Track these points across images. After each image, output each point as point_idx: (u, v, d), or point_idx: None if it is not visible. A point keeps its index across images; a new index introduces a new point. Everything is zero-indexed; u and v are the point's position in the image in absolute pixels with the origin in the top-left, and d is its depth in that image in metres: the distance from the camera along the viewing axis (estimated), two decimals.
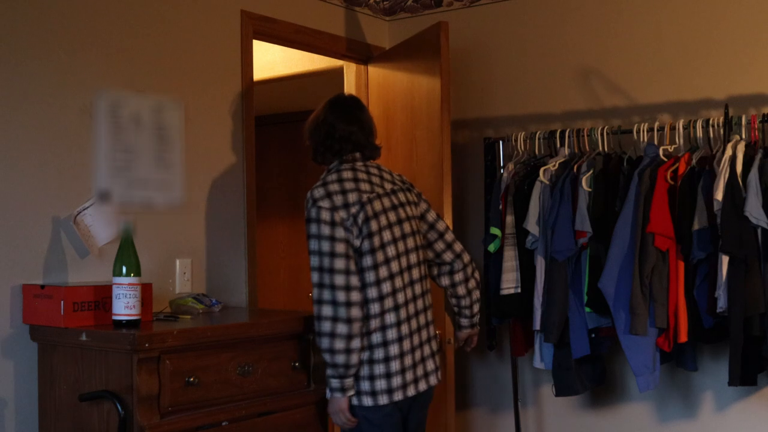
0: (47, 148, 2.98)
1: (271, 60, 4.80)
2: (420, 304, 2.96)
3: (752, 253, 3.26)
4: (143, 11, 3.32)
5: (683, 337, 3.40)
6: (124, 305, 2.71)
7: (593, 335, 3.62)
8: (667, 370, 3.74)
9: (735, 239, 3.24)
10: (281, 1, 3.92)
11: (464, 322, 3.26)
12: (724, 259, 3.27)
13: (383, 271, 2.86)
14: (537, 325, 3.71)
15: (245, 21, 3.70)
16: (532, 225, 3.71)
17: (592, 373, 3.75)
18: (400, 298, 2.89)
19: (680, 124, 3.58)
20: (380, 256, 2.86)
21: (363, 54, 4.35)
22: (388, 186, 2.98)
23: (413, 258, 2.96)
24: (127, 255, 2.74)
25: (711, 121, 3.51)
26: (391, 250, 2.88)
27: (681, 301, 3.40)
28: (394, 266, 2.89)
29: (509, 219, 3.82)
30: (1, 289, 2.84)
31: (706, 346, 3.64)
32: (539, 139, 3.92)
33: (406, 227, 2.95)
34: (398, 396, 2.87)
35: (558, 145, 3.85)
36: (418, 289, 2.96)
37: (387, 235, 2.88)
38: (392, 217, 2.92)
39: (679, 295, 3.40)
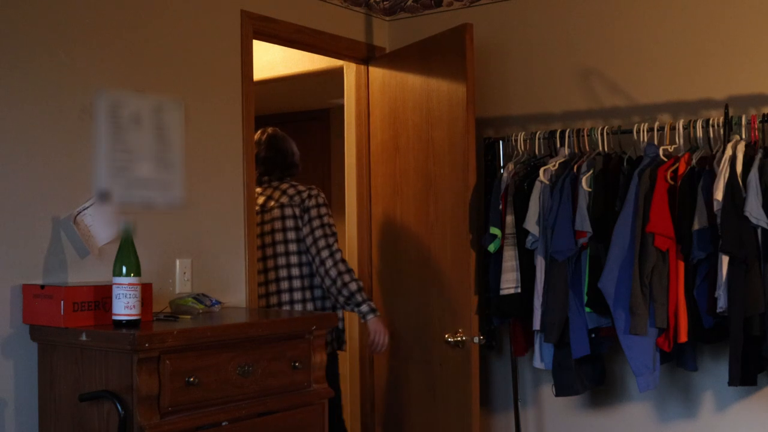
0: (47, 148, 2.98)
1: (271, 60, 4.80)
2: (273, 287, 3.81)
3: (752, 253, 3.26)
4: (143, 11, 3.32)
5: (683, 337, 3.40)
6: (124, 305, 2.71)
7: (593, 335, 3.62)
8: (667, 370, 3.74)
9: (735, 239, 3.24)
10: (281, 1, 3.92)
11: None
12: (724, 259, 3.27)
13: (260, 265, 3.80)
14: (537, 325, 3.71)
15: (245, 21, 3.69)
16: (531, 225, 3.71)
17: (592, 373, 3.75)
18: (264, 287, 3.82)
19: (680, 124, 3.58)
20: (259, 254, 3.80)
21: (363, 54, 4.35)
22: (270, 204, 3.81)
23: (270, 262, 3.79)
24: (127, 255, 2.74)
25: (711, 121, 3.51)
26: (262, 252, 3.81)
27: (681, 301, 3.40)
28: (262, 264, 3.80)
29: (509, 219, 3.82)
30: (1, 289, 2.84)
31: (706, 346, 3.64)
32: (539, 139, 3.92)
33: (267, 239, 3.79)
34: None
35: (558, 145, 3.85)
36: (273, 286, 3.80)
37: (259, 241, 3.80)
38: (267, 227, 3.80)
39: (679, 295, 3.40)
